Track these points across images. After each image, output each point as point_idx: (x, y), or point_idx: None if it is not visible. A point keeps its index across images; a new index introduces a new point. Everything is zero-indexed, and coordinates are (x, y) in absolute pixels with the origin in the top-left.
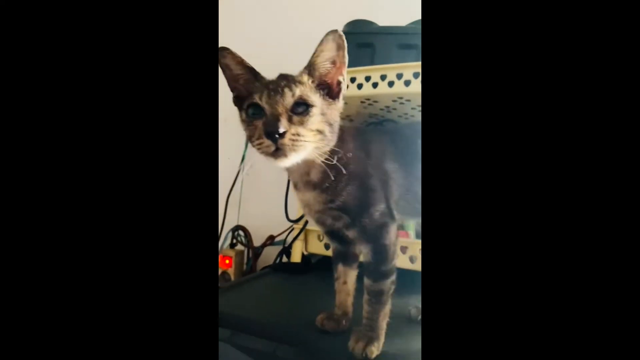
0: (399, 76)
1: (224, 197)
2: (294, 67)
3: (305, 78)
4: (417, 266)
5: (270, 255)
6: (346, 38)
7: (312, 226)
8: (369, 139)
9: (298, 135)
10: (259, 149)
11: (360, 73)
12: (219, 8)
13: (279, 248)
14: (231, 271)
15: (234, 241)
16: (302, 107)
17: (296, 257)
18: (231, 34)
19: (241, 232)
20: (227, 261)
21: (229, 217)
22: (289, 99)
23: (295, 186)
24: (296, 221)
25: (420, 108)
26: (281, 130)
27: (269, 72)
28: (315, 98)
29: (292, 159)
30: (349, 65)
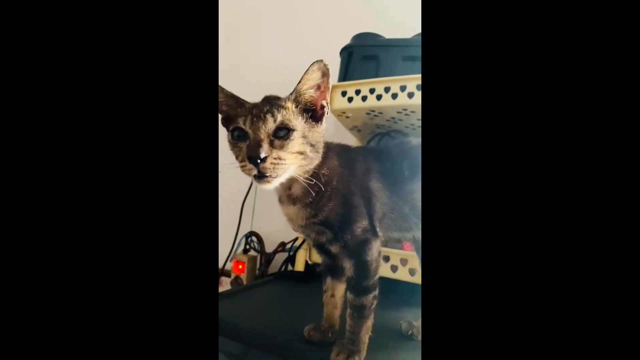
0: (403, 88)
1: (239, 203)
2: None
3: (289, 104)
4: (417, 279)
5: (281, 261)
6: (353, 51)
7: None
8: (354, 157)
9: (279, 159)
10: (242, 171)
11: (365, 85)
12: (219, 18)
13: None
14: (244, 276)
15: (247, 247)
16: (283, 132)
17: (300, 265)
18: (241, 49)
19: (254, 238)
20: (240, 266)
21: (243, 223)
22: (270, 125)
23: (280, 200)
24: None
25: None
26: (262, 155)
27: (279, 86)
28: (296, 122)
29: (275, 183)
30: (355, 78)
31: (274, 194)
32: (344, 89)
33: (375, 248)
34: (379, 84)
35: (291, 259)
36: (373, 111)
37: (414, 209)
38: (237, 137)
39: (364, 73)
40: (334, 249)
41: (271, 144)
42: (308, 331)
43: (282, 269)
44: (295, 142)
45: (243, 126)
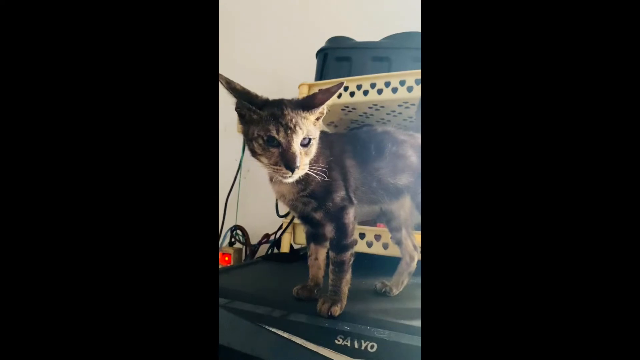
0: (373, 85)
1: (223, 198)
2: (284, 80)
3: (311, 117)
4: (390, 252)
5: (263, 250)
6: (327, 53)
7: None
8: (332, 140)
9: (305, 164)
10: (274, 171)
11: None
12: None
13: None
14: None
15: (233, 240)
16: (306, 140)
17: (285, 248)
18: (222, 52)
19: (239, 232)
20: (227, 258)
21: (227, 218)
22: (300, 136)
23: (272, 179)
24: (285, 216)
25: (394, 113)
26: (298, 164)
27: (260, 85)
28: (314, 131)
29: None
30: (330, 78)
31: (257, 190)
32: (320, 88)
33: (352, 213)
34: (352, 82)
35: (277, 243)
36: (347, 107)
37: (380, 183)
38: (268, 144)
39: (338, 73)
40: (318, 215)
41: (300, 152)
42: (296, 290)
43: (269, 252)
44: (314, 148)
45: (276, 136)
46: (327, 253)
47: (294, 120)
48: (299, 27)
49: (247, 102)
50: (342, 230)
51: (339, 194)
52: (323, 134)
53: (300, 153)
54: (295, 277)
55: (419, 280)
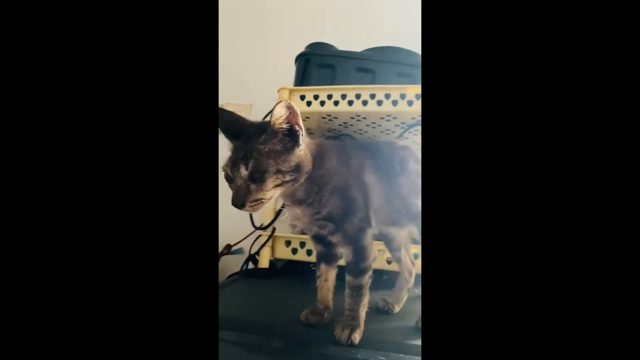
0: (358, 96)
1: None
2: (263, 86)
3: (262, 146)
4: (376, 265)
5: (226, 264)
6: (310, 58)
7: (280, 233)
8: (350, 155)
9: (256, 200)
10: None
11: (323, 91)
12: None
13: (236, 257)
14: None
15: None
16: (257, 174)
17: (264, 263)
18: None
19: None
20: None
21: None
22: (243, 172)
23: (285, 202)
24: (265, 228)
25: (373, 125)
26: (241, 203)
27: (239, 92)
28: (268, 163)
29: (261, 209)
30: (312, 84)
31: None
32: (302, 93)
33: (370, 234)
34: (337, 91)
35: (252, 258)
36: (329, 115)
37: (403, 201)
38: (228, 180)
39: (321, 80)
40: (335, 238)
41: (248, 188)
42: (306, 315)
43: (244, 267)
44: (270, 180)
45: (227, 171)
46: (338, 274)
47: (240, 155)
48: (278, 30)
49: (226, 131)
50: (360, 253)
51: (358, 215)
52: (338, 147)
53: (249, 189)
54: (285, 296)
55: (416, 293)
